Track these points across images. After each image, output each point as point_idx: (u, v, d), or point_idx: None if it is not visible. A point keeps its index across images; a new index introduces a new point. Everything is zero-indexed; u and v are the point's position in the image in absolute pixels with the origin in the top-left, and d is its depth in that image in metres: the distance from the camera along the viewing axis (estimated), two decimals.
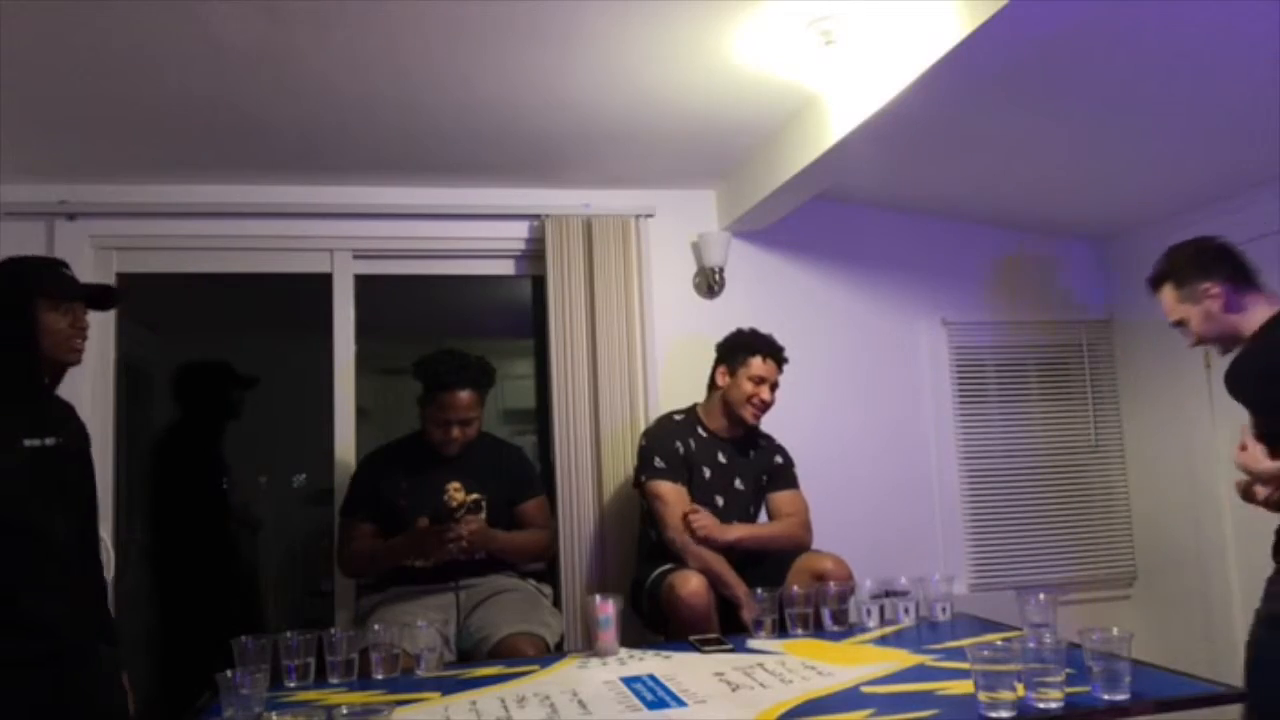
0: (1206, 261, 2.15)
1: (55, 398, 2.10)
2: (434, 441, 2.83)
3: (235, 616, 3.59)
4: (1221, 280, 2.12)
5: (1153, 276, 2.24)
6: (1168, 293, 2.20)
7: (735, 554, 2.76)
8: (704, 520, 2.76)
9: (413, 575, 2.74)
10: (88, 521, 2.14)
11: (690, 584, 2.57)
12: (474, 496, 2.79)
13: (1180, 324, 2.20)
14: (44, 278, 2.02)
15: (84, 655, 2.01)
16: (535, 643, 2.50)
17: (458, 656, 2.60)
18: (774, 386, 2.97)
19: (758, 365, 2.94)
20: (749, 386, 2.94)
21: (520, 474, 3.00)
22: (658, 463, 2.88)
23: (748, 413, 2.93)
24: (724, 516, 2.89)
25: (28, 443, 1.96)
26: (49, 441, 2.00)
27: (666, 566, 2.73)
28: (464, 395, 2.80)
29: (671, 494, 2.83)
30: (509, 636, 2.50)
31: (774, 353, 2.98)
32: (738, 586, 2.65)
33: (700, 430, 2.99)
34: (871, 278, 3.81)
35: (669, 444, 2.92)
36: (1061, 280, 3.99)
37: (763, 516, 3.03)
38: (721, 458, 2.97)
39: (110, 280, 3.23)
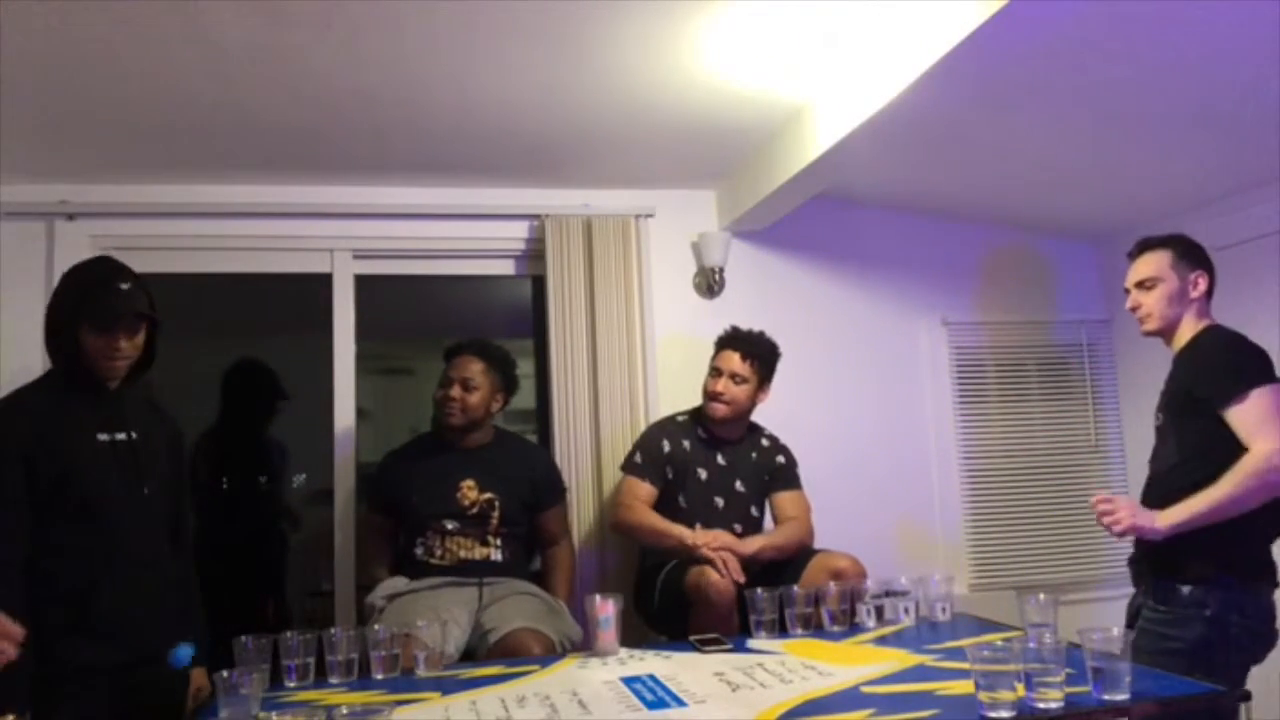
0: (1207, 260, 2.28)
1: (133, 397, 2.16)
2: (437, 407, 2.86)
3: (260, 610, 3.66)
4: (1209, 281, 2.25)
5: (1153, 238, 2.29)
6: (1163, 255, 2.26)
7: (756, 562, 2.72)
8: (723, 540, 2.69)
9: (441, 569, 2.76)
10: (169, 517, 2.20)
11: (716, 573, 2.58)
12: (487, 496, 2.80)
13: (1149, 285, 2.24)
14: (88, 303, 2.04)
15: (154, 661, 2.05)
16: (541, 640, 2.49)
17: (463, 652, 2.58)
18: (735, 377, 2.91)
19: (716, 356, 2.96)
20: (707, 379, 2.94)
21: (543, 480, 2.99)
22: (637, 458, 2.96)
23: (709, 408, 2.94)
24: (724, 517, 2.89)
25: (101, 437, 2.05)
26: (120, 436, 2.08)
27: (681, 559, 2.72)
28: (469, 359, 2.86)
29: (629, 487, 2.92)
30: (516, 631, 2.49)
31: (733, 343, 2.95)
32: (671, 533, 2.75)
33: (700, 432, 2.99)
34: (871, 278, 3.81)
35: (655, 442, 2.96)
36: (1061, 280, 3.99)
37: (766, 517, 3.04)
38: (721, 460, 2.96)
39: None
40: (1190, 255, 2.26)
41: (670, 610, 2.72)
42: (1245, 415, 2.03)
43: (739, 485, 2.95)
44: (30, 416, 2.01)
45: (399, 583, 2.73)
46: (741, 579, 2.56)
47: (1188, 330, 2.24)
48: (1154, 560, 2.13)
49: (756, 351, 2.93)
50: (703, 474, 2.94)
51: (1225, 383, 2.07)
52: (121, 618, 1.99)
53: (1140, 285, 2.28)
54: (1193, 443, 2.09)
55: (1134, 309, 2.30)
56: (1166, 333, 2.26)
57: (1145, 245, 2.30)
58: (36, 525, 1.94)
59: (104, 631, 1.97)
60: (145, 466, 2.11)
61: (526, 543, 2.95)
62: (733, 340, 2.97)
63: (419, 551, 2.79)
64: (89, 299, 2.05)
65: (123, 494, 2.05)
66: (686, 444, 2.96)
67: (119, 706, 1.98)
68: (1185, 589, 2.05)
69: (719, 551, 2.62)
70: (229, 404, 3.71)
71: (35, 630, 1.79)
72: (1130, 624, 2.19)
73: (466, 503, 2.79)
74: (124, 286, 2.07)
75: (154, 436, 2.17)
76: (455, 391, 2.83)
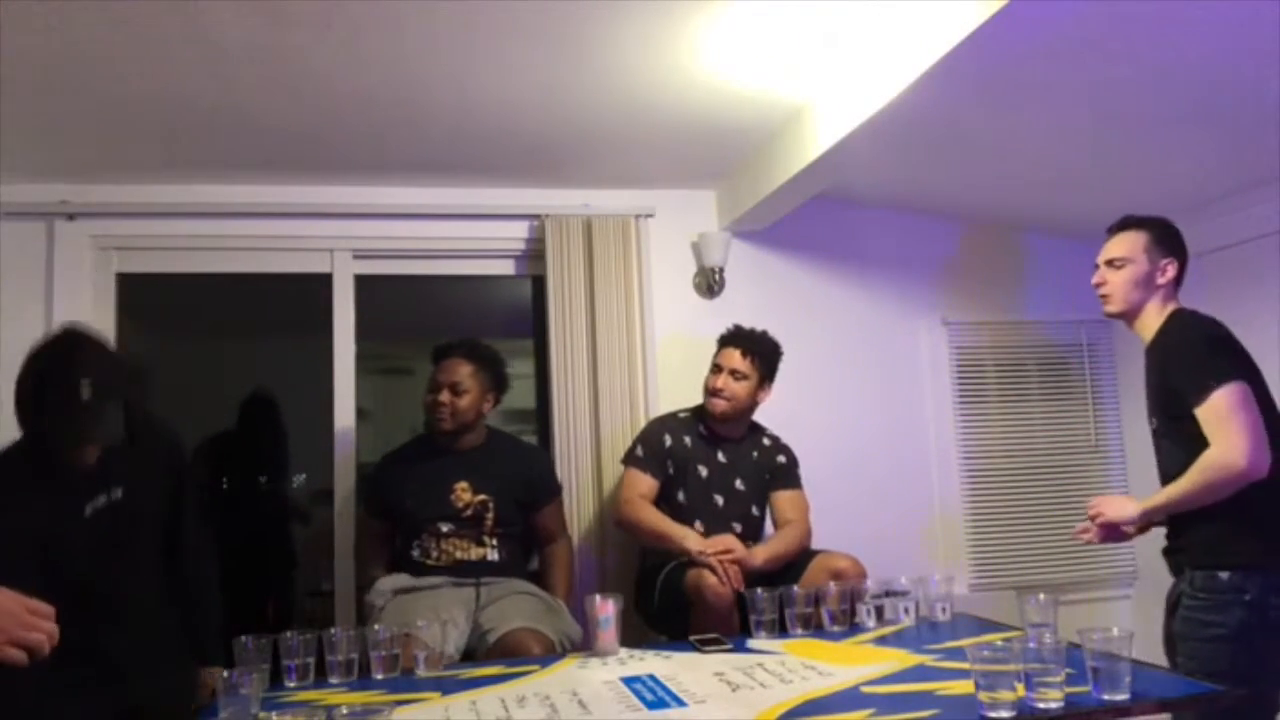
0: (1181, 247, 2.28)
1: (128, 440, 2.04)
2: (427, 412, 2.85)
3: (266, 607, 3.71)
4: (1179, 269, 2.25)
5: (1134, 218, 2.29)
6: (1136, 237, 2.25)
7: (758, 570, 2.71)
8: (730, 547, 2.66)
9: (438, 570, 2.75)
10: (161, 543, 2.17)
11: (715, 577, 2.58)
12: (481, 497, 2.80)
13: (1119, 265, 2.24)
14: (49, 405, 1.92)
15: (148, 681, 2.03)
16: (541, 640, 2.49)
17: (463, 652, 2.59)
18: (735, 374, 2.91)
19: (718, 354, 2.97)
20: (708, 375, 2.95)
21: (539, 478, 2.98)
22: (638, 451, 2.97)
23: (709, 403, 2.95)
24: (724, 515, 2.90)
25: (89, 509, 2.01)
26: (102, 502, 2.02)
27: (681, 560, 2.72)
28: (457, 362, 2.83)
29: (632, 479, 2.93)
30: (515, 630, 2.50)
31: (734, 340, 2.96)
32: (673, 536, 2.74)
33: (701, 429, 2.99)
34: (871, 278, 3.81)
35: (657, 436, 2.98)
36: (1062, 280, 3.99)
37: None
38: (721, 457, 2.96)
39: (110, 281, 3.25)
40: (1165, 241, 2.25)
41: (670, 611, 2.72)
42: (1205, 416, 2.05)
43: (739, 484, 2.96)
44: (26, 506, 1.95)
45: (401, 579, 2.73)
46: (741, 587, 2.56)
47: (1153, 317, 2.23)
48: (1193, 548, 2.13)
49: (757, 349, 2.94)
50: (703, 471, 2.94)
51: (1191, 384, 2.08)
52: (99, 643, 1.96)
53: (1110, 263, 2.27)
54: (1204, 446, 2.07)
55: (1098, 285, 2.29)
56: (1128, 316, 2.27)
57: (1125, 224, 2.30)
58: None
59: (83, 655, 1.92)
60: (133, 524, 2.08)
61: (524, 542, 2.94)
62: (734, 338, 2.98)
63: (415, 554, 2.79)
64: (50, 399, 1.91)
65: (106, 559, 2.02)
66: (688, 440, 2.96)
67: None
68: (1224, 575, 2.05)
69: (722, 558, 2.60)
70: (234, 418, 3.75)
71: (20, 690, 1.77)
72: (1170, 613, 2.19)
73: (460, 505, 2.78)
74: (85, 394, 1.89)
75: (144, 484, 2.10)
76: (444, 396, 2.80)
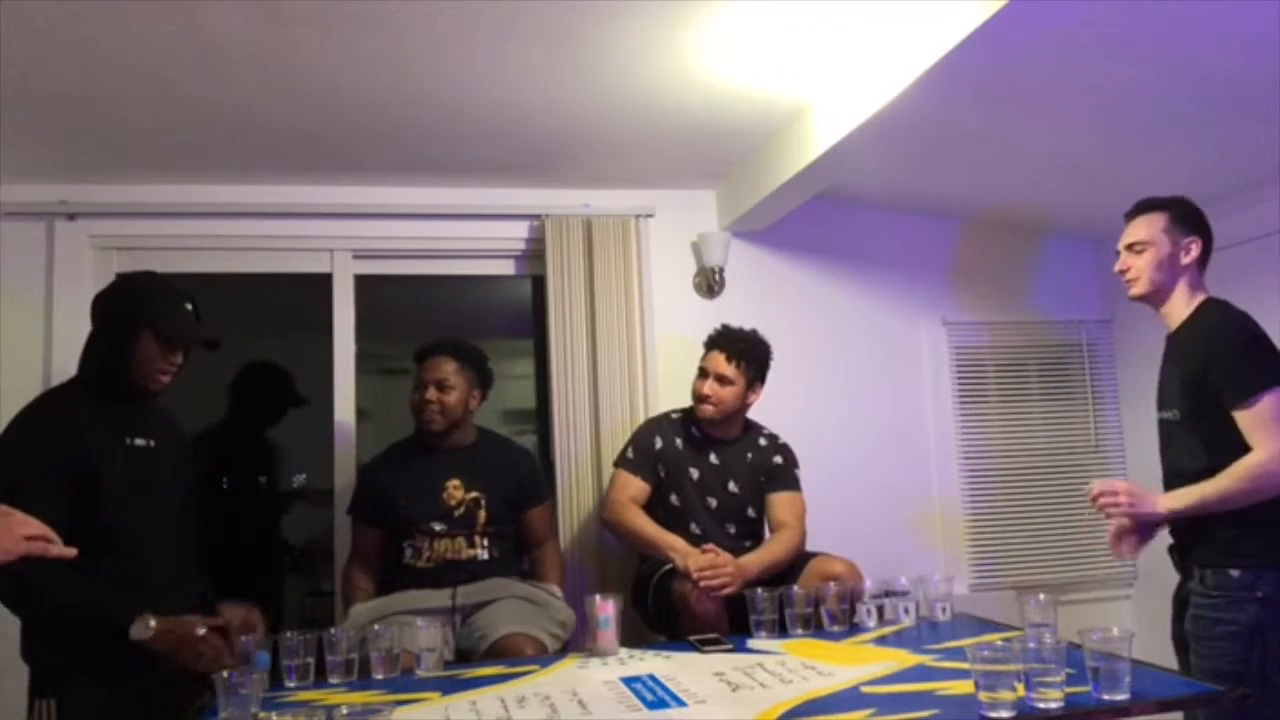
0: (1203, 225, 2.25)
1: (154, 406, 2.26)
2: (415, 413, 2.84)
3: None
4: (1202, 246, 2.22)
5: (1153, 200, 2.26)
6: (1158, 219, 2.23)
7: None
8: (725, 570, 2.55)
9: (426, 572, 2.74)
10: (183, 523, 2.28)
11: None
12: (472, 495, 2.80)
13: (1139, 249, 2.22)
14: (156, 314, 2.13)
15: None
16: (533, 643, 2.48)
17: (455, 656, 2.58)
18: (722, 379, 2.87)
19: (704, 357, 2.94)
20: (695, 380, 2.94)
21: (529, 478, 2.97)
22: (629, 453, 2.96)
23: (698, 409, 2.93)
24: (716, 518, 2.89)
25: (129, 440, 2.13)
26: (137, 443, 2.15)
27: (670, 565, 2.71)
28: (441, 360, 2.84)
29: (622, 482, 2.91)
30: (507, 636, 2.48)
31: (720, 343, 2.92)
32: (661, 545, 2.72)
33: (694, 431, 2.97)
34: (871, 278, 3.81)
35: (647, 438, 2.96)
36: (1061, 280, 3.99)
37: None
38: (714, 459, 2.94)
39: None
40: (1186, 220, 2.21)
41: (662, 616, 2.72)
42: (1252, 418, 2.03)
43: (732, 486, 2.93)
44: (74, 428, 2.05)
45: (374, 611, 2.63)
46: (746, 578, 2.55)
47: (1181, 303, 2.21)
48: (1204, 547, 2.12)
49: (743, 352, 2.89)
50: (695, 473, 2.91)
51: (1236, 384, 2.05)
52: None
53: (1130, 248, 2.24)
54: (1233, 447, 2.06)
55: (1122, 271, 2.27)
56: (1154, 298, 2.24)
57: (1144, 206, 2.27)
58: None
59: (126, 648, 1.97)
60: (165, 472, 2.19)
61: (515, 542, 2.93)
62: (719, 341, 2.93)
63: (407, 554, 2.76)
64: (157, 309, 2.13)
65: (144, 500, 2.12)
66: (679, 442, 2.95)
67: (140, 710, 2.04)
68: (1236, 573, 2.05)
69: (707, 578, 2.52)
70: (243, 405, 3.73)
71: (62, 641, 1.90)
72: (1179, 612, 2.19)
73: (453, 503, 2.78)
74: (189, 307, 2.18)
75: (168, 446, 2.24)
76: (431, 394, 2.80)
